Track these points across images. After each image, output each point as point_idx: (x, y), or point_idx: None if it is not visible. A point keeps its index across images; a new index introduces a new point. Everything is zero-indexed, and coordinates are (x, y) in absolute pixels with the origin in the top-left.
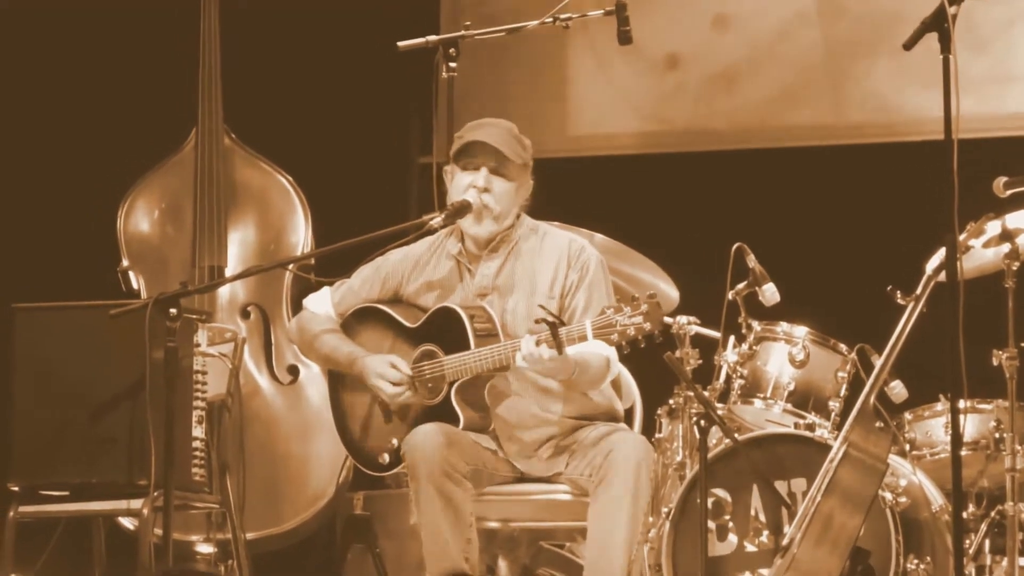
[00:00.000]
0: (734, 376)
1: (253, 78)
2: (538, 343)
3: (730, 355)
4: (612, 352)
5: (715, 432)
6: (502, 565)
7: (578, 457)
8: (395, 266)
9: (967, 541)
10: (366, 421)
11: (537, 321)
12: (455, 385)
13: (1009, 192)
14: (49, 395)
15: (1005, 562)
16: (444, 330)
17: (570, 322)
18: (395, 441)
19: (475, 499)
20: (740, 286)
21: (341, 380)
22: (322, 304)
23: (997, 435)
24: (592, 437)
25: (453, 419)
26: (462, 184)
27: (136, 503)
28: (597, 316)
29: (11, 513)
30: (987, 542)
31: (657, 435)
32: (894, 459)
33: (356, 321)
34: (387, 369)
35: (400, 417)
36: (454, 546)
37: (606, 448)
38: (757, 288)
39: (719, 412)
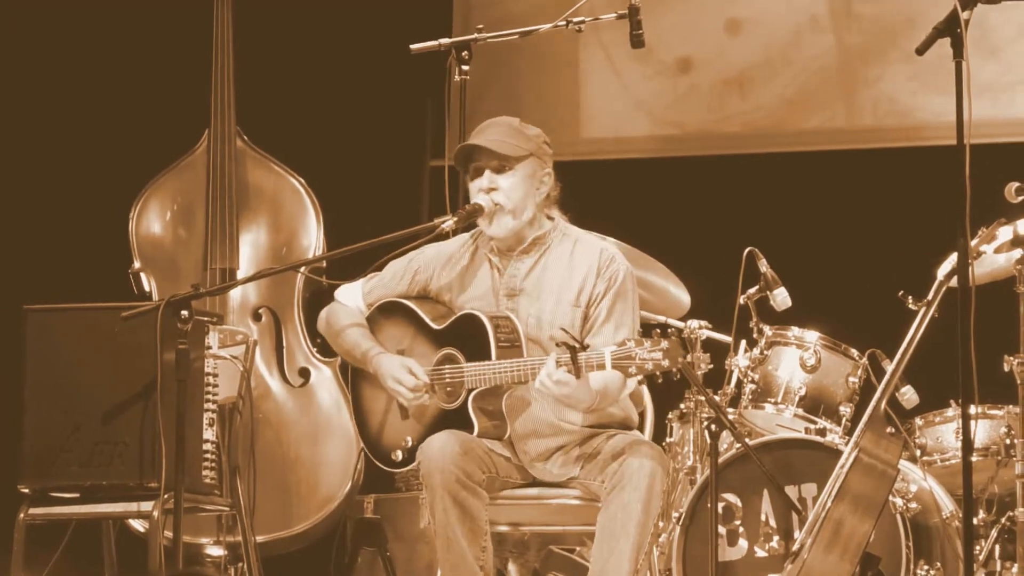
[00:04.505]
0: (745, 381)
1: (265, 80)
2: (558, 365)
3: (741, 360)
4: None
5: (726, 437)
6: (512, 569)
7: (592, 464)
8: (427, 261)
9: (977, 547)
10: (383, 417)
11: (558, 344)
12: (473, 393)
13: (1021, 198)
14: (60, 397)
15: (1015, 568)
16: (467, 336)
17: (591, 330)
18: (410, 439)
19: (487, 504)
20: (752, 290)
21: (364, 373)
22: (352, 296)
23: (1008, 441)
24: (608, 446)
25: (468, 425)
26: (473, 191)
27: (146, 506)
28: (618, 346)
29: (21, 515)
30: (997, 548)
31: (668, 439)
32: (905, 465)
33: (381, 315)
34: (404, 374)
35: (416, 417)
36: (470, 555)
37: (621, 456)
38: (768, 292)
39: (730, 417)
